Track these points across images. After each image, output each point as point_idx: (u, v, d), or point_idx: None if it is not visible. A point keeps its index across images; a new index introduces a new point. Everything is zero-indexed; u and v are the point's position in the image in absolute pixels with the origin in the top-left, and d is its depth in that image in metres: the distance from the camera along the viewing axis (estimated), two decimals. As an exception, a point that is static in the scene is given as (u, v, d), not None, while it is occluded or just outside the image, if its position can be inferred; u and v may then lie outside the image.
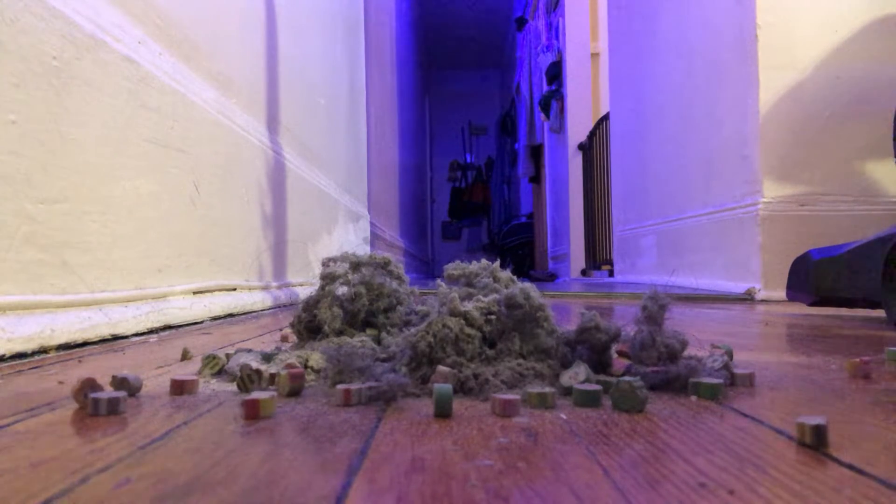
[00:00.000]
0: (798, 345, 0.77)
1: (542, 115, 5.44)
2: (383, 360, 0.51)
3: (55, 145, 0.72)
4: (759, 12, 1.87)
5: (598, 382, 0.45)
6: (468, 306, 0.49)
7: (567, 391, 0.45)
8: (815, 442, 0.32)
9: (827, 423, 0.32)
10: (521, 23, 6.48)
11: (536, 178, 6.41)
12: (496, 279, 0.57)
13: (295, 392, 0.45)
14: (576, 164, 4.76)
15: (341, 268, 0.64)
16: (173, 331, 0.92)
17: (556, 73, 5.08)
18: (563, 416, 0.39)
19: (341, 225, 2.38)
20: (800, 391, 0.47)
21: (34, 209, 0.68)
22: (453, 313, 0.49)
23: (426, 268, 7.02)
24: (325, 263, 0.65)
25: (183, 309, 0.99)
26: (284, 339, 0.77)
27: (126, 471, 0.28)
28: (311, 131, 1.99)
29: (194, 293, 1.06)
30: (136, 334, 0.85)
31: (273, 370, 0.49)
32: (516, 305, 0.48)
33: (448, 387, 0.39)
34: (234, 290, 1.25)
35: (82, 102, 0.77)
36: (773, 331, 0.96)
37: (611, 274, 3.92)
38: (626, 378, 0.41)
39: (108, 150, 0.82)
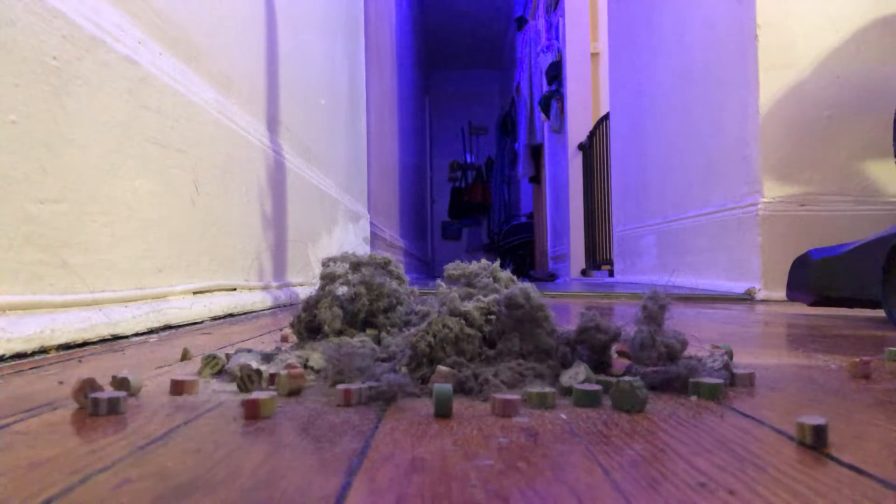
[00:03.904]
0: (798, 345, 0.77)
1: (542, 115, 5.45)
2: (383, 360, 0.51)
3: (55, 145, 0.72)
4: (759, 12, 1.87)
5: (598, 382, 0.45)
6: (468, 306, 0.49)
7: (567, 391, 0.45)
8: (815, 442, 0.32)
9: (827, 423, 0.32)
10: (521, 23, 6.48)
11: (536, 178, 6.41)
12: (496, 279, 0.57)
13: (295, 392, 0.45)
14: (576, 164, 4.76)
15: (341, 268, 0.64)
16: (173, 331, 0.92)
17: (556, 73, 5.08)
18: (563, 416, 0.39)
19: (341, 225, 2.38)
20: (800, 391, 0.47)
21: (34, 209, 0.68)
22: (453, 313, 0.49)
23: (426, 268, 7.02)
24: (325, 263, 0.65)
25: (183, 309, 0.99)
26: (284, 339, 0.77)
27: (126, 471, 0.28)
28: (311, 131, 1.99)
29: (194, 293, 1.06)
30: (136, 334, 0.85)
31: (273, 370, 0.49)
32: (516, 305, 0.48)
33: (448, 387, 0.39)
34: (234, 290, 1.25)
35: (82, 102, 0.77)
36: (773, 331, 0.96)
37: (611, 274, 3.92)
38: (626, 378, 0.41)
39: (108, 150, 0.82)
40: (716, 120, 2.15)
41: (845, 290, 1.14)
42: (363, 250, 2.74)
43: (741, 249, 1.97)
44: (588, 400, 0.41)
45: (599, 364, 0.50)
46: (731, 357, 0.55)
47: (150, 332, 0.88)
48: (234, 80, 1.30)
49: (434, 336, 0.47)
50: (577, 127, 4.72)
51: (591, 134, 4.40)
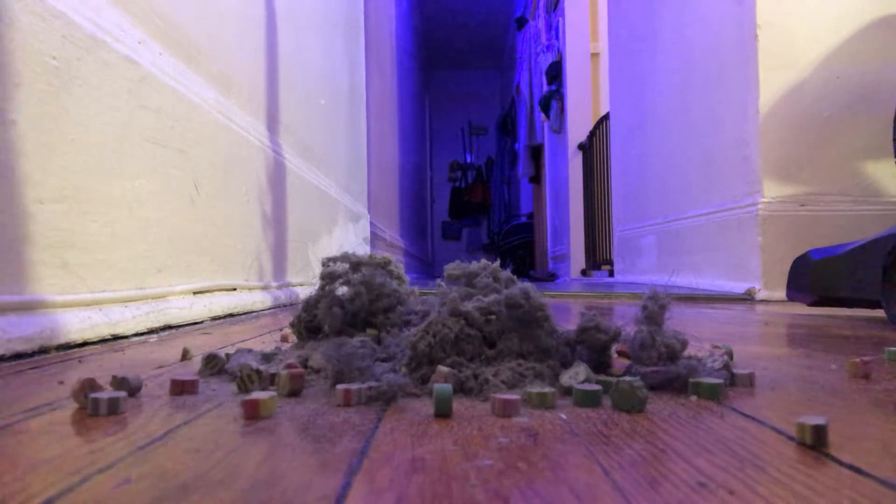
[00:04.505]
0: (798, 345, 0.77)
1: (542, 115, 5.44)
2: (383, 360, 0.51)
3: (55, 145, 0.72)
4: (759, 12, 1.87)
5: (598, 382, 0.45)
6: (468, 306, 0.49)
7: (567, 391, 0.45)
8: (815, 442, 0.32)
9: (827, 423, 0.32)
10: (521, 23, 6.48)
11: (536, 178, 6.41)
12: (496, 279, 0.57)
13: (295, 392, 0.45)
14: (576, 164, 4.76)
15: (341, 268, 0.64)
16: (173, 331, 0.92)
17: (556, 73, 5.08)
18: (563, 416, 0.39)
19: (341, 225, 2.38)
20: (800, 391, 0.47)
21: (34, 209, 0.68)
22: (453, 313, 0.49)
23: (426, 268, 7.02)
24: (325, 263, 0.65)
25: (183, 309, 0.99)
26: (284, 339, 0.77)
27: (126, 471, 0.28)
28: (311, 131, 1.99)
29: (194, 293, 1.06)
30: (136, 334, 0.85)
31: (273, 370, 0.49)
32: (516, 305, 0.48)
33: (448, 387, 0.39)
34: (234, 290, 1.25)
35: (82, 102, 0.77)
36: (773, 331, 0.96)
37: (611, 274, 3.92)
38: (626, 378, 0.41)
39: (108, 150, 0.82)
40: (716, 120, 2.15)
41: (845, 290, 1.14)
42: (363, 250, 2.74)
43: (741, 249, 1.97)
44: (588, 400, 0.41)
45: (599, 364, 0.50)
46: (731, 357, 0.55)
47: (150, 332, 0.88)
48: (234, 80, 1.30)
49: (434, 336, 0.47)
50: (577, 127, 4.72)
51: (591, 134, 4.40)
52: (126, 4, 0.89)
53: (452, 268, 0.57)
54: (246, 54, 1.40)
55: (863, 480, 0.27)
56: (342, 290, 0.62)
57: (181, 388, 0.46)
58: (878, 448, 0.32)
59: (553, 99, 5.12)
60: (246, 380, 0.47)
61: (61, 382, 0.50)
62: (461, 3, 7.11)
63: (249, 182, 1.38)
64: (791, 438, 0.33)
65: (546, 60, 5.31)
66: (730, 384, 0.48)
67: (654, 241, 2.82)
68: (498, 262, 0.60)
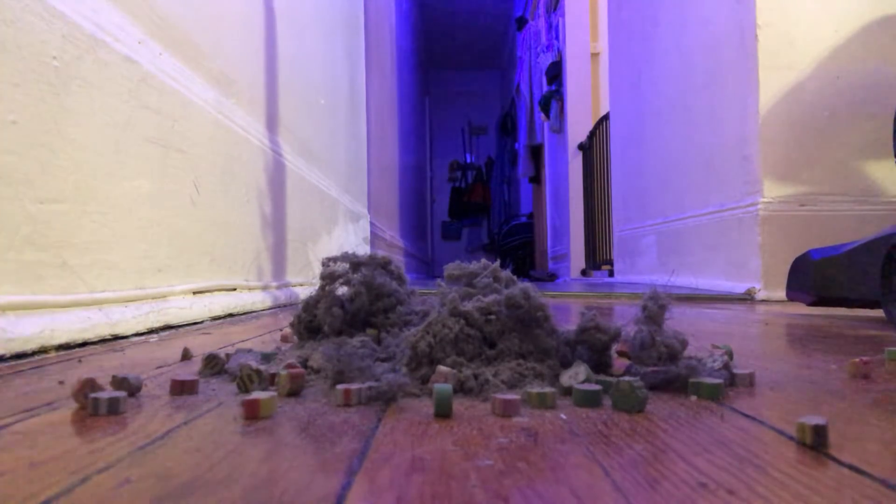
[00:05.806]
0: (798, 345, 0.77)
1: (542, 115, 5.44)
2: (383, 360, 0.51)
3: (55, 145, 0.72)
4: (759, 12, 1.87)
5: (598, 382, 0.45)
6: (468, 306, 0.49)
7: (567, 391, 0.45)
8: (815, 442, 0.32)
9: (827, 423, 0.32)
10: (521, 23, 6.48)
11: (536, 178, 6.41)
12: (496, 279, 0.57)
13: (295, 392, 0.45)
14: (576, 164, 4.76)
15: (341, 268, 0.64)
16: (173, 331, 0.92)
17: (556, 73, 5.08)
18: (563, 416, 0.39)
19: (341, 225, 2.38)
20: (800, 391, 0.47)
21: (34, 209, 0.68)
22: (453, 313, 0.49)
23: (426, 268, 7.02)
24: (325, 263, 0.65)
25: (183, 309, 0.99)
26: (284, 339, 0.77)
27: (126, 471, 0.28)
28: (311, 131, 1.99)
29: (194, 293, 1.06)
30: (136, 334, 0.85)
31: (273, 370, 0.49)
32: (516, 305, 0.48)
33: (448, 387, 0.39)
34: (234, 290, 1.25)
35: (82, 102, 0.77)
36: (773, 331, 0.96)
37: (611, 274, 3.92)
38: (626, 378, 0.41)
39: (108, 150, 0.82)
40: (716, 120, 2.15)
41: (845, 290, 1.14)
42: (363, 250, 2.74)
43: (741, 249, 1.97)
44: (588, 400, 0.41)
45: (599, 364, 0.50)
46: (731, 357, 0.55)
47: (150, 332, 0.88)
48: (234, 80, 1.30)
49: (434, 336, 0.47)
50: (577, 127, 4.72)
51: (591, 134, 4.40)
52: (126, 4, 0.89)
53: (452, 268, 0.57)
54: (246, 54, 1.40)
55: (863, 480, 0.27)
56: (342, 290, 0.62)
57: (181, 388, 0.46)
58: (878, 448, 0.32)
59: (553, 99, 5.12)
60: (246, 380, 0.47)
61: (61, 382, 0.50)
62: (461, 3, 7.11)
63: (249, 182, 1.38)
64: (791, 438, 0.33)
65: (546, 60, 5.31)
66: (730, 384, 0.48)
67: (654, 241, 2.82)
68: (498, 262, 0.60)
